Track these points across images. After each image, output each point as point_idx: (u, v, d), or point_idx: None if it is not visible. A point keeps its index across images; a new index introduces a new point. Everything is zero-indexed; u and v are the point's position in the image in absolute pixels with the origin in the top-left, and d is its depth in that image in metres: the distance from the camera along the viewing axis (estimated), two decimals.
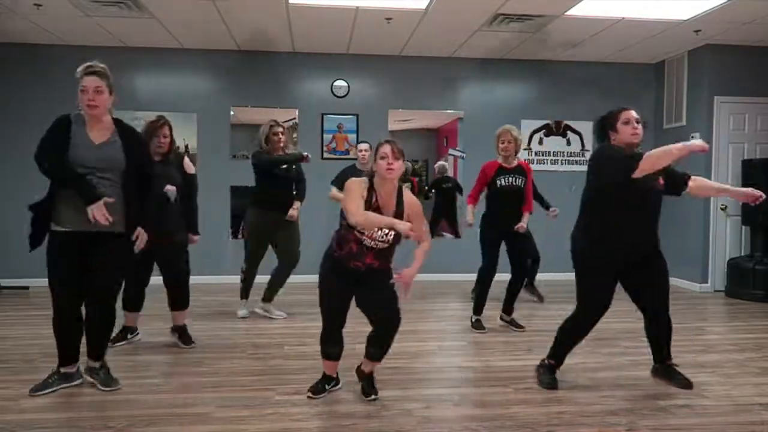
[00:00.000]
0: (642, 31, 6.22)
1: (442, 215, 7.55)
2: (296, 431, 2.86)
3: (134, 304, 4.20)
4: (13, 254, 6.65)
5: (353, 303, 3.20)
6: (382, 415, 3.03)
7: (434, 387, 3.53)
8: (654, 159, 3.01)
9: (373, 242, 3.03)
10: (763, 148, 6.80)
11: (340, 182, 5.64)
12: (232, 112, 7.15)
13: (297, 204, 5.09)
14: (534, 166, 5.81)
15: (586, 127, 7.34)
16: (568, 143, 7.59)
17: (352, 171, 5.62)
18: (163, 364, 3.47)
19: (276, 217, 5.02)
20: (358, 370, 3.34)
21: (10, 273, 6.60)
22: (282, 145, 5.02)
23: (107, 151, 3.14)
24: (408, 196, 3.16)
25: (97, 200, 3.01)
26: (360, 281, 3.11)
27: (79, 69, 3.15)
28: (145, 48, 6.87)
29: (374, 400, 3.19)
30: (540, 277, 6.13)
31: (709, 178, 6.73)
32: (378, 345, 3.21)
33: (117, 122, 3.27)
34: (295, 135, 7.07)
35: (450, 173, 7.59)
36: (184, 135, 6.92)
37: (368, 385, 3.27)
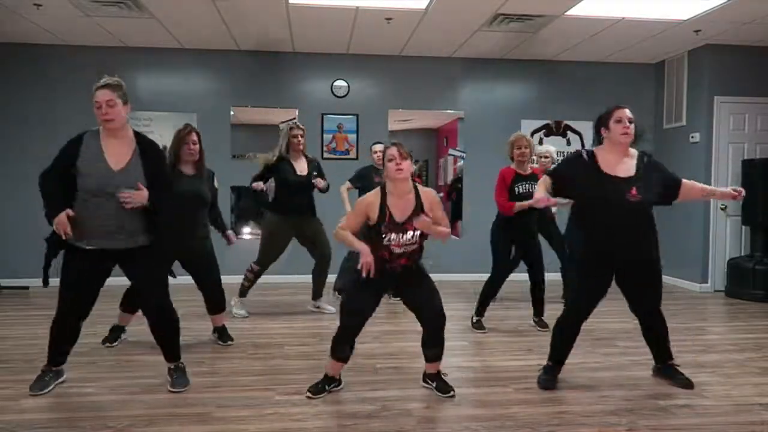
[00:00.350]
0: (642, 31, 6.22)
1: (457, 216, 7.53)
2: (296, 431, 2.86)
3: (135, 305, 4.21)
4: (13, 254, 6.68)
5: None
6: (382, 415, 3.03)
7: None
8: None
9: (401, 248, 3.13)
10: (763, 148, 6.80)
11: (355, 180, 5.71)
12: (232, 112, 7.15)
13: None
14: (534, 166, 5.81)
15: (586, 127, 7.33)
16: (568, 143, 7.59)
17: (368, 171, 5.68)
18: (163, 364, 3.46)
19: (292, 222, 5.09)
20: (425, 376, 3.38)
21: (10, 273, 6.60)
22: (301, 147, 5.07)
23: (128, 178, 3.11)
24: (425, 190, 3.25)
25: (55, 216, 3.02)
26: (399, 282, 3.23)
27: (95, 86, 3.15)
28: (145, 48, 6.87)
29: (452, 396, 3.24)
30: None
31: (709, 178, 6.76)
32: (430, 345, 3.27)
33: (137, 138, 3.25)
34: None
35: (450, 173, 7.59)
36: None
37: (441, 384, 3.31)
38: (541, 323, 4.83)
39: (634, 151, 3.37)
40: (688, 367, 3.82)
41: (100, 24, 6.03)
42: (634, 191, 3.19)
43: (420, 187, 3.23)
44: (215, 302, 4.33)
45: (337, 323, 3.28)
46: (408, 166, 3.08)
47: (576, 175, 3.31)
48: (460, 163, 7.56)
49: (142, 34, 6.38)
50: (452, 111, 7.51)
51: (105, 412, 3.03)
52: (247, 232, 7.21)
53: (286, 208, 5.08)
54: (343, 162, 7.04)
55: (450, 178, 7.65)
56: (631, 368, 3.81)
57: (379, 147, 5.65)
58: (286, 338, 4.55)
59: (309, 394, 3.23)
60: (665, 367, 3.53)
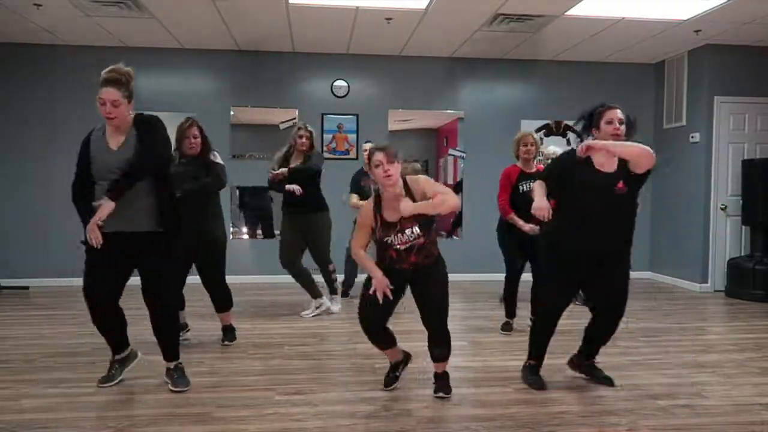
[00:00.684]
0: (642, 31, 6.22)
1: (456, 224, 7.52)
2: (296, 431, 2.86)
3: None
4: (13, 254, 6.68)
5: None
6: (382, 415, 3.03)
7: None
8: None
9: (405, 245, 3.08)
10: (763, 148, 6.80)
11: (353, 188, 5.68)
12: (232, 112, 7.15)
13: None
14: (540, 165, 5.80)
15: None
16: (568, 143, 7.57)
17: (360, 175, 5.67)
18: (163, 364, 3.47)
19: (293, 219, 5.15)
20: (435, 375, 3.39)
21: (10, 273, 6.60)
22: (304, 148, 5.09)
23: (123, 154, 3.14)
24: (414, 181, 3.13)
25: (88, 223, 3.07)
26: (414, 281, 3.19)
27: (103, 72, 3.14)
28: (145, 48, 6.87)
29: (443, 398, 3.24)
30: None
31: (709, 178, 6.79)
32: (436, 345, 3.26)
33: (135, 119, 3.27)
34: None
35: (450, 173, 7.59)
36: None
37: (440, 385, 3.32)
38: None
39: None
40: (688, 367, 3.84)
41: (100, 24, 6.03)
42: (621, 184, 3.21)
43: (409, 181, 3.14)
44: (217, 300, 4.34)
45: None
46: (397, 170, 3.01)
47: (567, 167, 3.33)
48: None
49: (142, 34, 6.38)
50: (452, 111, 7.51)
51: (105, 412, 3.04)
52: (246, 232, 7.21)
53: (285, 203, 5.19)
54: (343, 162, 7.04)
55: (451, 178, 7.64)
56: (631, 368, 3.81)
57: (369, 145, 5.62)
58: (286, 338, 4.55)
59: (383, 387, 3.35)
60: (589, 366, 3.58)
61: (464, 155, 7.51)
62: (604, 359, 4.02)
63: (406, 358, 3.48)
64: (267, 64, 7.12)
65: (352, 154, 7.29)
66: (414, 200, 3.03)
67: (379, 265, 3.14)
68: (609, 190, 3.20)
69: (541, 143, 7.44)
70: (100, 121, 3.26)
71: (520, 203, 4.57)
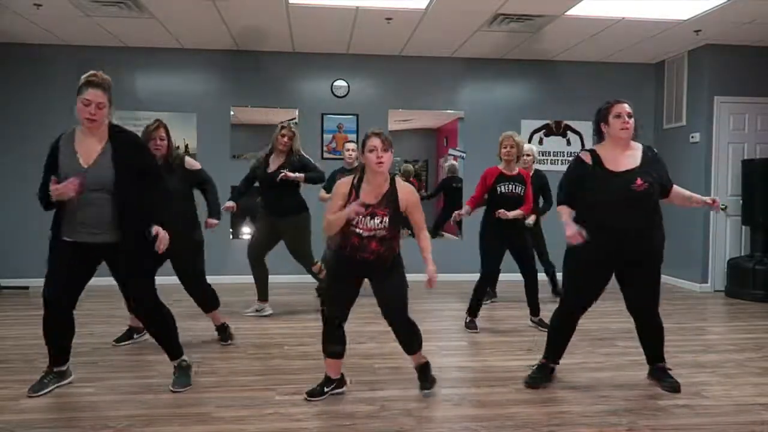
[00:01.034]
0: (642, 31, 6.22)
1: (450, 215, 7.50)
2: (296, 431, 2.86)
3: None
4: (13, 254, 6.68)
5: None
6: (382, 415, 3.03)
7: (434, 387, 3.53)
8: None
9: (370, 232, 3.05)
10: (763, 148, 6.79)
11: (329, 185, 5.69)
12: (232, 112, 7.15)
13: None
14: (534, 166, 5.80)
15: (586, 127, 7.29)
16: (568, 143, 7.59)
17: (340, 172, 5.67)
18: (163, 363, 3.47)
19: (271, 220, 5.16)
20: (415, 369, 3.36)
21: (10, 273, 6.60)
22: (283, 148, 5.06)
23: (95, 173, 3.07)
24: (403, 186, 3.16)
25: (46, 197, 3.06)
26: (372, 272, 3.14)
27: (84, 76, 3.10)
28: (145, 48, 6.87)
29: (427, 394, 3.24)
30: (542, 276, 6.12)
31: (709, 178, 6.77)
32: (402, 338, 3.23)
33: (111, 130, 3.18)
34: None
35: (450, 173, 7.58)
36: (184, 135, 6.93)
37: (423, 379, 3.31)
38: (541, 323, 4.83)
39: (637, 145, 3.38)
40: (688, 367, 3.83)
41: (100, 24, 6.03)
42: (639, 181, 3.20)
43: (398, 180, 3.15)
44: (198, 301, 4.30)
45: None
46: (389, 159, 3.04)
47: (582, 182, 3.32)
48: (448, 163, 7.55)
49: (142, 34, 6.38)
50: (452, 111, 7.51)
51: (105, 412, 3.03)
52: (247, 232, 7.20)
53: (263, 203, 5.23)
54: (342, 162, 7.03)
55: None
56: (631, 368, 3.81)
57: (351, 146, 5.87)
58: (286, 338, 4.55)
59: (306, 397, 3.21)
60: (654, 369, 3.53)
61: (464, 155, 7.51)
62: (604, 359, 4.04)
63: (341, 383, 3.33)
64: (267, 64, 7.12)
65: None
66: (395, 200, 3.07)
67: (340, 251, 3.15)
68: (626, 188, 3.19)
69: (541, 143, 7.47)
70: None
71: (499, 204, 4.65)
